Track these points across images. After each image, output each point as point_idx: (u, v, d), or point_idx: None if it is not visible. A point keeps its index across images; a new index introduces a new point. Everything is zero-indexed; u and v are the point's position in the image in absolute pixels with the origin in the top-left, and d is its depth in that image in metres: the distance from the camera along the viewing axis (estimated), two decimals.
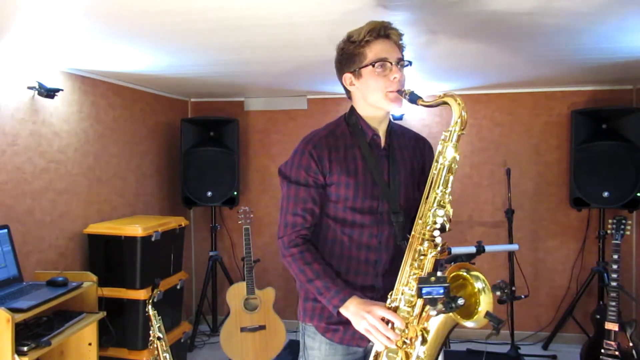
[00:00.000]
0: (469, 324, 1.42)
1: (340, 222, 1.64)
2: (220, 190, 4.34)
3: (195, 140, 4.40)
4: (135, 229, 3.27)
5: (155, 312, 2.90)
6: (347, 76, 1.63)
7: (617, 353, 3.23)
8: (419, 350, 1.46)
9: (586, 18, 2.17)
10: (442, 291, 1.34)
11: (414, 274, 1.49)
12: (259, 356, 3.82)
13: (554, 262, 4.35)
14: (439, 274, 1.43)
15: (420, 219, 1.51)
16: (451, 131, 1.51)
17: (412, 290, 1.48)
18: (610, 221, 3.41)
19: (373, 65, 1.55)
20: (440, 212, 1.48)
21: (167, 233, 3.52)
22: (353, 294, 1.54)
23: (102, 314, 2.89)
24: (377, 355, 1.52)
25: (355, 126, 1.66)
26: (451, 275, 1.46)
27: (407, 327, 1.47)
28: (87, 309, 2.86)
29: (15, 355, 2.24)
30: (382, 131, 1.68)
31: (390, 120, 1.71)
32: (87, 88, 3.46)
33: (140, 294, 3.25)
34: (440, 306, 1.35)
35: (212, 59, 3.02)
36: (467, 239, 4.39)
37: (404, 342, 1.47)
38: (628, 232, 3.36)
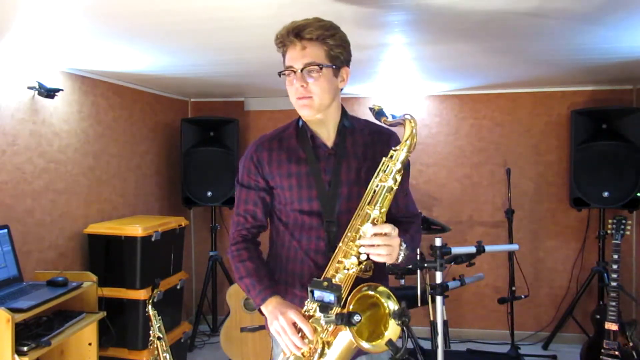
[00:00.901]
0: (367, 346, 1.37)
1: (290, 226, 1.63)
2: (220, 190, 4.34)
3: (195, 140, 4.40)
4: (135, 229, 3.27)
5: (155, 312, 2.90)
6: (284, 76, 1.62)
7: (617, 353, 3.23)
8: None
9: (586, 18, 2.17)
10: (332, 298, 1.31)
11: None
12: (259, 356, 3.82)
13: (554, 262, 4.35)
14: (335, 281, 1.40)
15: (349, 232, 1.47)
16: (398, 151, 1.47)
17: None
18: (610, 221, 3.41)
19: (280, 76, 1.56)
20: (371, 230, 1.42)
21: (167, 233, 3.52)
22: (275, 294, 1.55)
23: (102, 314, 2.89)
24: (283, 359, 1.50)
25: (302, 128, 1.65)
26: (360, 294, 1.40)
27: (315, 337, 1.44)
28: (87, 309, 2.86)
29: (15, 355, 2.24)
30: (328, 131, 1.63)
31: (347, 118, 1.65)
32: (87, 88, 3.46)
33: (140, 294, 3.25)
34: (332, 317, 1.32)
35: (212, 59, 3.02)
36: (467, 239, 4.39)
37: (310, 352, 1.44)
38: (628, 232, 3.35)
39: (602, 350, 3.27)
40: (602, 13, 2.10)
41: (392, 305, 1.41)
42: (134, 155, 4.01)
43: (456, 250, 2.99)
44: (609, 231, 3.44)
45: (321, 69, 1.51)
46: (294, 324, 1.45)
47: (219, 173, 4.34)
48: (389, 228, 1.43)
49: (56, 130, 3.17)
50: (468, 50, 2.83)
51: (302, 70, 1.51)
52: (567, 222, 4.31)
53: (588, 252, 4.23)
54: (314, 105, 1.55)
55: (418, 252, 2.75)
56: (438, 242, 2.78)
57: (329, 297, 1.32)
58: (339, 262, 1.47)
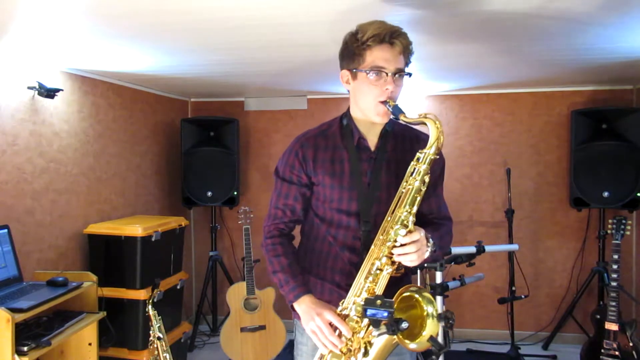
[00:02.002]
0: (411, 345, 1.41)
1: (327, 222, 1.66)
2: (220, 190, 4.34)
3: (195, 140, 4.40)
4: (135, 229, 3.27)
5: (155, 312, 2.90)
6: (345, 73, 1.62)
7: (617, 353, 3.23)
8: None
9: (586, 18, 2.17)
10: (386, 314, 1.35)
11: (367, 287, 1.50)
12: (259, 356, 3.82)
13: (554, 262, 4.35)
14: (386, 298, 1.43)
15: (382, 235, 1.50)
16: (426, 154, 1.49)
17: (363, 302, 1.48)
18: (610, 221, 3.41)
19: (367, 73, 1.53)
20: (402, 231, 1.46)
21: (167, 233, 3.52)
22: (308, 292, 1.58)
23: (102, 314, 2.89)
24: (321, 357, 1.53)
25: (347, 127, 1.66)
26: (402, 295, 1.44)
27: (352, 337, 1.48)
28: (87, 309, 2.86)
29: (15, 355, 2.24)
30: (373, 134, 1.66)
31: (389, 123, 1.67)
32: (87, 88, 3.46)
33: (140, 294, 3.25)
34: (383, 328, 1.37)
35: (212, 59, 3.02)
36: (467, 239, 4.40)
37: (348, 350, 1.48)
38: (628, 232, 3.36)
39: (602, 350, 3.28)
40: (602, 13, 2.10)
41: (430, 308, 1.44)
42: (134, 155, 4.01)
43: (456, 250, 2.99)
44: (609, 231, 3.44)
45: (409, 76, 1.57)
46: (330, 324, 1.48)
47: (219, 173, 4.34)
48: (417, 236, 1.46)
49: (56, 130, 3.17)
50: (468, 50, 2.83)
51: (393, 74, 1.52)
52: (567, 222, 4.31)
53: (588, 252, 4.23)
54: (389, 114, 1.57)
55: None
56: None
57: (382, 314, 1.36)
58: (372, 263, 1.50)
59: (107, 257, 3.32)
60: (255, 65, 3.24)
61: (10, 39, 2.47)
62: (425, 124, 1.49)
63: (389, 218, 1.50)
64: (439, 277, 2.83)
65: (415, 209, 1.48)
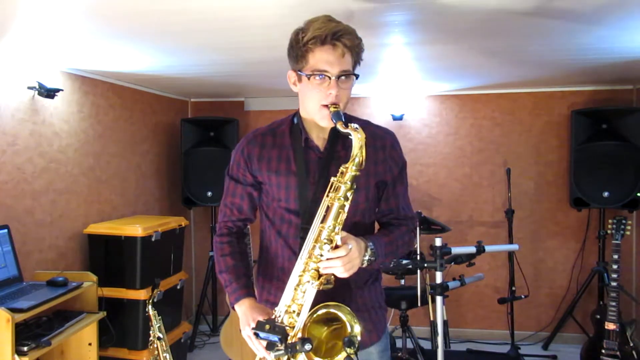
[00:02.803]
0: None
1: (277, 223, 1.62)
2: (220, 190, 4.29)
3: (195, 140, 4.40)
4: (135, 229, 3.27)
5: (155, 312, 2.90)
6: (291, 74, 1.55)
7: (617, 353, 3.23)
8: None
9: (586, 18, 2.17)
10: (276, 339, 1.33)
11: (298, 297, 1.45)
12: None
13: (554, 262, 4.35)
14: (279, 322, 1.42)
15: (306, 249, 1.46)
16: (348, 169, 1.44)
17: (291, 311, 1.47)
18: (610, 221, 3.41)
19: (308, 77, 1.46)
20: (327, 247, 1.41)
21: (167, 233, 3.52)
22: (249, 295, 1.56)
23: (102, 314, 2.89)
24: None
25: (296, 126, 1.62)
26: (318, 311, 1.41)
27: None
28: (87, 309, 2.87)
29: (16, 355, 2.24)
30: (322, 133, 1.59)
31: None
32: (87, 88, 3.46)
33: (140, 294, 3.24)
34: (281, 350, 1.34)
35: (212, 59, 3.02)
36: (467, 239, 4.39)
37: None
38: (628, 232, 3.36)
39: (602, 350, 3.28)
40: (602, 13, 2.10)
41: (356, 327, 1.39)
42: (134, 155, 4.01)
43: (456, 250, 2.99)
44: (609, 231, 3.44)
45: (356, 77, 1.51)
46: None
47: (219, 173, 4.30)
48: (343, 252, 1.41)
49: (56, 130, 3.17)
50: (468, 50, 2.83)
51: (337, 77, 1.45)
52: (567, 222, 4.31)
53: (588, 252, 4.23)
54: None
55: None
56: (438, 242, 2.78)
57: (274, 338, 1.35)
58: (299, 275, 1.46)
59: (107, 257, 3.31)
60: (255, 65, 3.24)
61: (10, 39, 2.47)
62: (350, 134, 1.44)
63: (312, 232, 1.45)
64: (439, 277, 2.83)
65: (340, 225, 1.43)
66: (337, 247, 1.43)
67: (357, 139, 1.43)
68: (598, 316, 3.39)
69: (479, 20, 2.22)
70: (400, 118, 4.44)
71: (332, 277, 1.46)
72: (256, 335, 1.38)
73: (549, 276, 4.36)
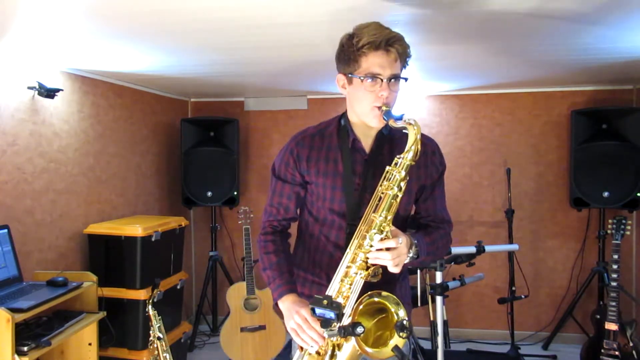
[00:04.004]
0: (371, 352, 1.39)
1: (320, 221, 1.68)
2: (220, 190, 4.34)
3: (195, 140, 4.40)
4: (135, 229, 3.27)
5: (155, 312, 2.90)
6: (340, 77, 1.62)
7: (617, 353, 3.23)
8: None
9: (586, 18, 2.17)
10: (333, 315, 1.35)
11: (344, 289, 1.49)
12: (259, 356, 3.82)
13: (554, 262, 4.35)
14: (335, 294, 1.45)
15: (356, 239, 1.50)
16: (403, 159, 1.49)
17: None
18: (610, 221, 3.41)
19: (362, 79, 1.52)
20: (378, 236, 1.45)
21: (167, 233, 3.52)
22: (292, 291, 1.60)
23: (102, 314, 2.89)
24: (299, 355, 1.55)
25: (343, 128, 1.67)
26: (368, 300, 1.43)
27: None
28: (87, 309, 2.87)
29: (16, 355, 2.24)
30: (369, 137, 1.66)
31: (387, 127, 1.61)
32: (87, 88, 3.46)
33: (140, 294, 3.24)
34: (334, 330, 1.36)
35: (212, 59, 3.02)
36: (467, 239, 4.39)
37: (324, 352, 1.48)
38: (628, 232, 3.36)
39: (602, 350, 3.28)
40: (602, 13, 2.10)
41: (401, 312, 1.43)
42: (134, 155, 4.01)
43: (456, 250, 3.00)
44: (609, 231, 3.44)
45: (405, 80, 1.57)
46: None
47: (219, 173, 4.34)
48: (393, 243, 1.45)
49: (56, 130, 3.17)
50: (468, 50, 2.83)
51: (388, 80, 1.52)
52: (567, 222, 4.31)
53: (588, 252, 4.23)
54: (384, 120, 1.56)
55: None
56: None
57: (330, 314, 1.36)
58: (347, 266, 1.50)
59: (107, 257, 3.31)
60: (255, 65, 3.24)
61: (10, 39, 2.47)
62: (406, 129, 1.49)
63: (365, 222, 1.49)
64: (439, 277, 2.83)
65: (391, 215, 1.47)
66: (387, 238, 1.46)
67: (413, 131, 1.48)
68: (598, 316, 3.39)
69: (479, 21, 2.22)
70: (400, 118, 4.41)
71: (380, 269, 1.49)
72: (312, 311, 1.38)
73: (549, 276, 4.36)
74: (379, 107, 1.53)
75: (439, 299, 2.81)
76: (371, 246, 1.46)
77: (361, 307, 1.42)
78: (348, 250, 1.51)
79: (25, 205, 2.94)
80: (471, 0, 1.95)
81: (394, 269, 1.46)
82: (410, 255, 1.51)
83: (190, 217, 4.82)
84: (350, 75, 1.56)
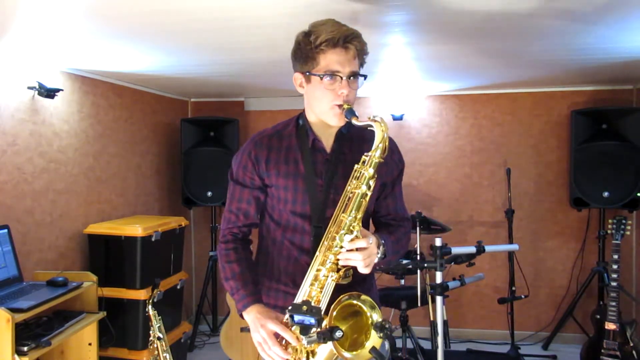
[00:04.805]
0: (349, 356, 1.36)
1: (282, 226, 1.62)
2: (220, 190, 4.34)
3: (195, 140, 4.40)
4: (135, 229, 3.27)
5: (155, 312, 2.90)
6: (298, 76, 1.59)
7: (617, 353, 3.23)
8: None
9: (586, 18, 2.17)
10: (313, 321, 1.32)
11: (314, 294, 1.46)
12: (259, 356, 3.81)
13: (554, 262, 4.35)
14: (314, 304, 1.41)
15: (326, 240, 1.46)
16: (370, 156, 1.46)
17: None
18: (610, 221, 3.41)
19: (321, 77, 1.49)
20: (348, 237, 1.42)
21: (167, 233, 3.52)
22: (257, 302, 1.54)
23: (102, 314, 2.89)
24: None
25: (302, 128, 1.62)
26: (342, 302, 1.40)
27: (298, 345, 1.43)
28: (87, 309, 2.87)
29: (16, 355, 2.24)
30: (329, 136, 1.61)
31: (346, 126, 1.59)
32: (87, 88, 3.46)
33: (140, 294, 3.24)
34: (313, 336, 1.32)
35: (212, 59, 3.02)
36: (467, 239, 4.39)
37: None
38: (628, 232, 3.36)
39: (602, 350, 3.28)
40: (602, 13, 2.10)
41: (375, 315, 1.40)
42: (134, 155, 4.01)
43: (456, 250, 2.99)
44: (609, 231, 3.44)
45: (364, 78, 1.55)
46: (276, 334, 1.45)
47: (219, 173, 4.34)
48: (363, 243, 1.43)
49: (56, 130, 3.17)
50: (468, 51, 2.83)
51: (347, 77, 1.49)
52: (567, 222, 4.31)
53: (588, 252, 4.23)
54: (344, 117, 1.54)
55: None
56: (438, 242, 2.78)
57: (310, 320, 1.33)
58: (317, 269, 1.46)
59: (107, 257, 3.31)
60: (255, 65, 3.24)
61: (10, 39, 2.47)
62: (371, 126, 1.46)
63: (334, 223, 1.46)
64: (439, 277, 2.83)
65: (361, 214, 1.45)
66: (356, 239, 1.43)
67: (380, 128, 1.45)
68: (598, 316, 3.39)
69: (479, 21, 2.22)
70: (400, 118, 4.44)
71: (351, 271, 1.46)
72: (291, 318, 1.35)
73: (549, 276, 4.35)
74: (339, 106, 1.49)
75: (439, 299, 2.80)
76: (341, 247, 1.43)
77: (335, 313, 1.38)
78: (317, 253, 1.46)
79: (25, 205, 2.94)
80: (471, 1, 1.95)
81: (365, 270, 1.44)
82: (379, 255, 1.49)
83: (190, 217, 4.82)
84: (308, 73, 1.53)
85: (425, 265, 2.92)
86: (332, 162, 1.58)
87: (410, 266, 3.06)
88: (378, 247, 1.49)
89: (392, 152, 1.65)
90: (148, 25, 2.28)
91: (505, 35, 2.49)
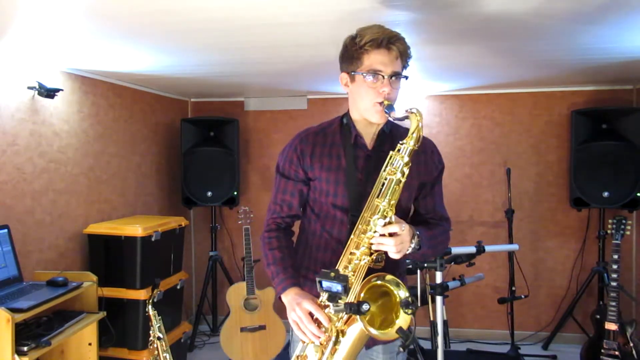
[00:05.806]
0: (376, 333, 1.41)
1: (322, 218, 1.70)
2: (220, 190, 4.34)
3: (195, 140, 4.40)
4: (135, 229, 3.27)
5: (155, 312, 2.90)
6: (344, 76, 1.67)
7: (617, 353, 3.23)
8: (330, 349, 1.47)
9: (586, 18, 2.17)
10: (340, 288, 1.36)
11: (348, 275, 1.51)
12: (259, 356, 3.82)
13: (554, 262, 4.35)
14: (341, 271, 1.46)
15: (360, 224, 1.52)
16: (405, 144, 1.53)
17: None
18: (610, 221, 3.41)
19: (364, 76, 1.57)
20: (381, 221, 1.48)
21: (167, 233, 3.52)
22: (295, 285, 1.62)
23: (102, 314, 2.89)
24: (302, 350, 1.56)
25: (346, 126, 1.71)
26: (371, 283, 1.45)
27: (330, 325, 1.49)
28: (87, 309, 2.87)
29: (16, 355, 2.24)
30: (371, 134, 1.70)
31: (387, 125, 1.70)
32: (87, 88, 3.46)
33: (140, 294, 3.24)
34: (341, 305, 1.37)
35: (212, 59, 3.02)
36: (467, 239, 4.39)
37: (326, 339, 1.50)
38: (628, 232, 3.36)
39: (602, 350, 3.28)
40: (602, 13, 2.10)
41: (402, 293, 1.45)
42: (134, 155, 4.01)
43: (456, 250, 3.00)
44: (609, 231, 3.44)
45: (406, 79, 1.62)
46: (310, 314, 1.51)
47: (219, 173, 4.34)
48: (396, 228, 1.48)
49: (56, 130, 3.17)
50: (468, 50, 2.83)
51: (389, 77, 1.57)
52: (567, 222, 4.31)
53: (588, 252, 4.23)
54: (386, 115, 1.60)
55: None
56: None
57: (336, 287, 1.37)
58: (351, 253, 1.52)
59: (107, 257, 3.31)
60: (255, 65, 3.24)
61: (10, 39, 2.47)
62: (408, 117, 1.54)
63: (368, 208, 1.53)
64: (439, 277, 2.83)
65: (394, 201, 1.50)
66: (390, 224, 1.48)
67: (416, 119, 1.53)
68: (598, 316, 3.39)
69: (479, 21, 2.22)
70: (402, 119, 4.43)
71: (383, 255, 1.51)
72: (319, 284, 1.39)
73: (549, 276, 4.36)
74: (381, 103, 1.57)
75: (439, 299, 2.81)
76: (375, 232, 1.48)
77: (362, 294, 1.43)
78: (352, 236, 1.53)
79: (25, 205, 2.94)
80: (471, 1, 1.95)
81: (396, 255, 1.49)
82: (412, 245, 1.53)
83: (190, 217, 4.82)
84: (352, 73, 1.61)
85: (425, 265, 2.92)
86: (372, 158, 1.67)
87: (410, 266, 3.06)
88: (412, 237, 1.53)
89: (433, 154, 1.76)
90: (148, 25, 2.29)
91: (506, 35, 2.49)
